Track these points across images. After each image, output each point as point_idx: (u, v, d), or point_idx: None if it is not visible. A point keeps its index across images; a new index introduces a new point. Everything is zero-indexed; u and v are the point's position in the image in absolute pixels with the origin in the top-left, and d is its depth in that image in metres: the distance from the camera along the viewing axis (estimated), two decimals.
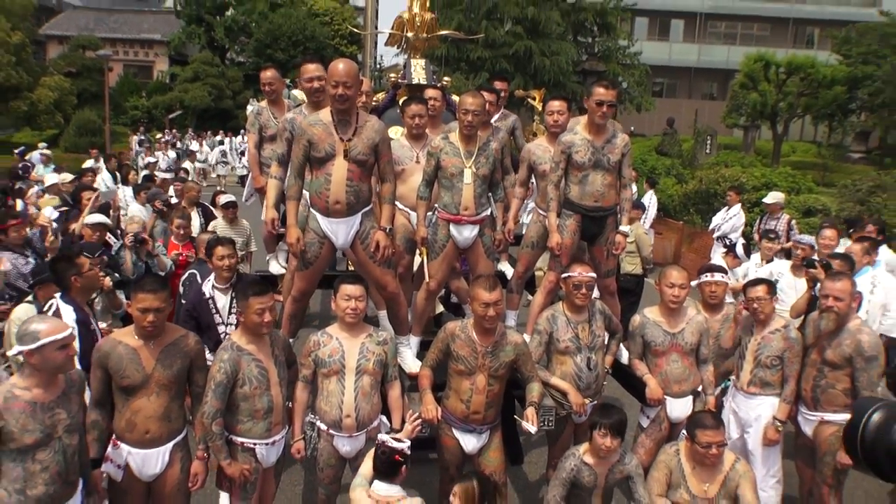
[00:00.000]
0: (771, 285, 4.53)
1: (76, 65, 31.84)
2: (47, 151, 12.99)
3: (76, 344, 3.21)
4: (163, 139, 24.28)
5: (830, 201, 12.08)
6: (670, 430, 4.39)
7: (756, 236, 8.43)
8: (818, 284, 5.79)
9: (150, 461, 3.45)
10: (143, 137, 23.44)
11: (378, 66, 38.18)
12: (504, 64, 23.44)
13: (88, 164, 13.48)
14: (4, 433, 2.87)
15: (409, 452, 3.34)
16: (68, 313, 4.13)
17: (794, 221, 9.16)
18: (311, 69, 4.87)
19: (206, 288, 4.65)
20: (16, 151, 14.89)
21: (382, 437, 3.43)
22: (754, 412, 4.44)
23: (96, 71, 29.69)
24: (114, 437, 3.47)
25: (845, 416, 4.09)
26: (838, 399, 4.16)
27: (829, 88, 25.16)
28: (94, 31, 36.15)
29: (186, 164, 19.38)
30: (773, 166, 17.15)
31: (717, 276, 4.71)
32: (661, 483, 3.77)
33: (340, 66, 3.89)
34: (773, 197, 8.95)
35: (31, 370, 2.98)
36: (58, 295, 4.26)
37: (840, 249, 6.30)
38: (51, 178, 8.83)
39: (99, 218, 6.18)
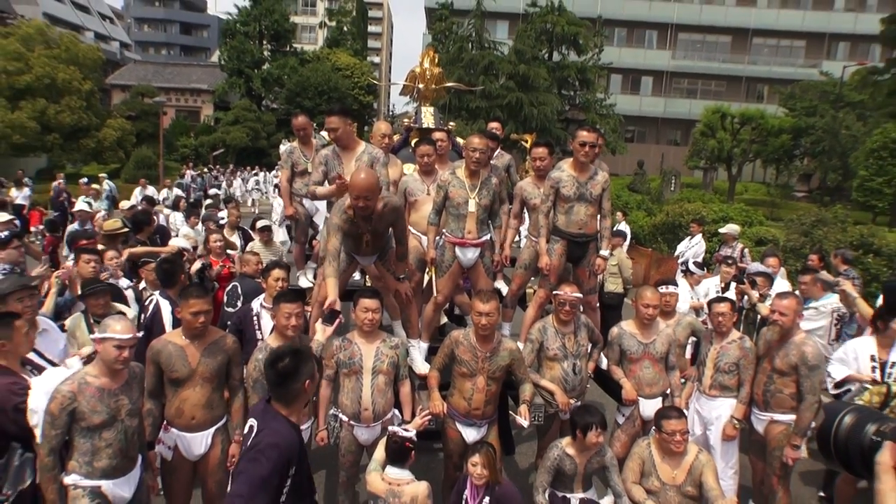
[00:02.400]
0: (732, 303, 4.56)
1: (136, 109, 32.15)
2: (96, 186, 12.99)
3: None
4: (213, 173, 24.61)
5: (779, 233, 12.11)
6: (642, 426, 4.37)
7: (716, 259, 8.45)
8: (745, 297, 5.87)
9: (196, 443, 3.48)
10: (194, 173, 23.50)
11: (391, 112, 38.51)
12: (498, 112, 23.62)
13: (136, 191, 13.54)
14: (77, 413, 2.91)
15: (416, 441, 3.35)
16: (166, 307, 4.25)
17: (746, 250, 9.18)
18: (333, 121, 4.63)
19: (255, 305, 4.57)
20: (82, 181, 15.06)
21: (393, 428, 3.44)
22: (715, 412, 4.44)
23: (153, 115, 29.98)
24: (165, 422, 3.50)
25: (791, 417, 4.11)
26: (786, 402, 4.17)
27: (776, 137, 25.35)
28: (151, 81, 36.50)
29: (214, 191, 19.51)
30: (728, 203, 17.21)
31: (671, 288, 4.82)
32: (635, 472, 3.76)
33: (362, 178, 3.70)
34: (729, 228, 8.98)
35: (100, 362, 3.01)
36: (157, 292, 4.41)
37: (779, 277, 6.37)
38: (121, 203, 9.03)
39: (182, 243, 6.40)
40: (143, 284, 5.52)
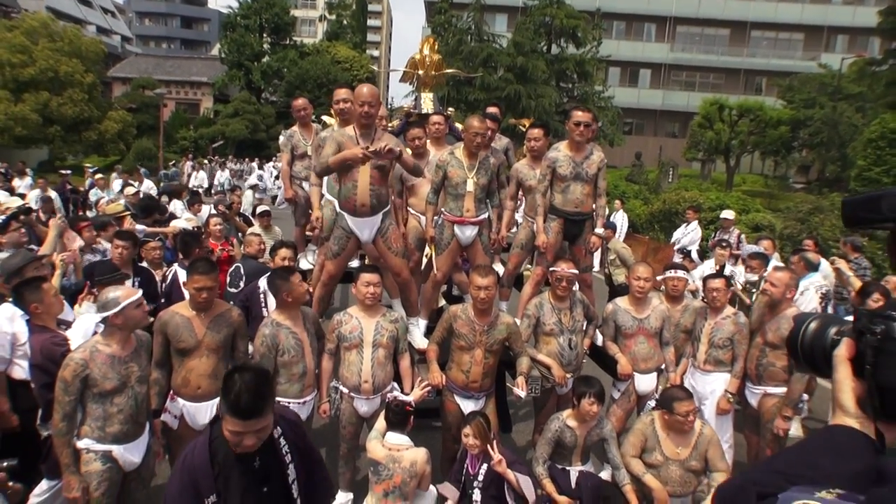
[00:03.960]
0: (727, 279, 4.62)
1: (136, 102, 32.11)
2: (100, 177, 13.48)
3: None
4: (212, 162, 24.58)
5: (776, 221, 12.17)
6: (638, 401, 4.44)
7: (711, 245, 8.51)
8: (726, 266, 5.92)
9: (201, 413, 3.54)
10: (193, 162, 23.53)
11: (389, 104, 38.49)
12: (498, 103, 23.62)
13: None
14: (90, 379, 2.98)
15: (414, 405, 3.42)
16: (183, 276, 4.39)
17: (743, 236, 9.24)
18: (342, 93, 4.99)
19: (262, 283, 4.60)
20: (89, 169, 15.39)
21: (392, 394, 3.51)
22: (710, 387, 4.51)
23: (153, 107, 29.93)
24: (171, 392, 3.56)
25: (783, 389, 4.17)
26: (778, 375, 4.23)
27: (774, 128, 25.32)
28: (152, 73, 36.39)
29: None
30: (726, 192, 17.26)
31: (679, 273, 4.79)
32: (635, 447, 3.79)
33: (365, 89, 4.02)
34: (727, 213, 9.04)
35: (111, 330, 3.08)
36: (176, 264, 4.74)
37: (773, 260, 6.43)
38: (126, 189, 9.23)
39: (184, 224, 6.57)
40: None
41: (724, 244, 6.95)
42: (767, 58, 37.63)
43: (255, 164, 26.77)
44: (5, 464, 2.79)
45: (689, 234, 9.79)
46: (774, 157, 29.15)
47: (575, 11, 26.08)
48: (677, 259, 8.40)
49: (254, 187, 17.49)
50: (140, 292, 3.15)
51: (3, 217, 6.20)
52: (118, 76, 38.00)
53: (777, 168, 30.81)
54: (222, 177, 21.09)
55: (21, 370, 3.65)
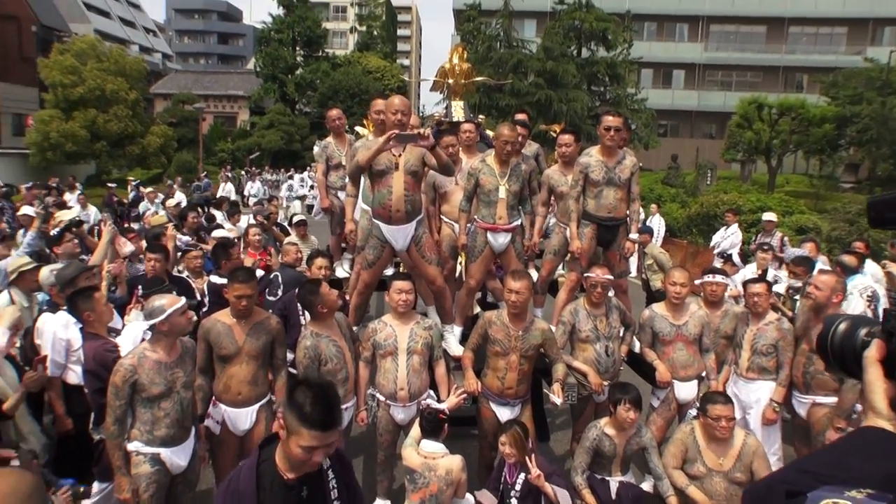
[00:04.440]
0: (769, 284, 4.49)
1: (177, 116, 33.17)
2: (150, 190, 14.01)
3: None
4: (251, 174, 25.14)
5: (823, 223, 11.78)
6: (678, 410, 4.35)
7: (752, 248, 8.30)
8: (768, 270, 5.74)
9: (242, 418, 3.62)
10: (230, 174, 24.07)
11: (421, 113, 38.75)
12: (528, 110, 23.50)
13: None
14: (138, 384, 3.09)
15: (448, 413, 3.42)
16: (216, 279, 4.66)
17: (786, 239, 8.98)
18: (379, 104, 5.06)
19: None
20: (132, 182, 16.03)
21: (426, 402, 3.52)
22: (754, 395, 4.38)
23: (193, 121, 30.88)
24: (213, 397, 3.66)
25: (834, 399, 4.01)
26: (827, 384, 4.07)
27: (818, 126, 24.50)
28: (191, 89, 37.54)
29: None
30: (768, 194, 16.80)
31: (718, 278, 4.69)
32: (676, 458, 3.69)
33: (396, 99, 4.25)
34: (769, 215, 8.82)
35: (157, 337, 3.18)
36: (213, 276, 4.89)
37: (820, 263, 6.24)
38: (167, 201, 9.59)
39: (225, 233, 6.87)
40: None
41: (766, 247, 6.77)
42: (808, 53, 36.56)
43: (290, 175, 27.18)
44: (69, 485, 2.89)
45: (728, 238, 9.56)
46: (819, 157, 28.23)
47: (604, 14, 25.85)
48: (717, 263, 8.24)
49: (302, 198, 17.77)
50: (184, 300, 3.26)
51: (57, 230, 6.46)
52: (160, 92, 39.29)
53: (823, 167, 29.81)
54: (253, 187, 21.38)
55: (75, 375, 3.82)
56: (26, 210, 7.82)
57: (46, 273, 4.58)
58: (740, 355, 4.44)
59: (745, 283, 4.52)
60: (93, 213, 10.73)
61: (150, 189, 13.63)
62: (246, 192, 20.97)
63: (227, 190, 19.03)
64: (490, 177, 4.43)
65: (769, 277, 6.17)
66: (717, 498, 3.53)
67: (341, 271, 5.92)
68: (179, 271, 5.57)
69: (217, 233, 6.82)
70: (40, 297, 4.74)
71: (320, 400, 2.02)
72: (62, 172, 23.16)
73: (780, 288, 5.88)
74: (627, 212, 4.60)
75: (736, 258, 6.94)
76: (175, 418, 3.19)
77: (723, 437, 3.54)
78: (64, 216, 8.01)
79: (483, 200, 4.47)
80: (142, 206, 12.59)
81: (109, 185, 16.33)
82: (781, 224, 10.11)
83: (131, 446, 3.15)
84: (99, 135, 25.40)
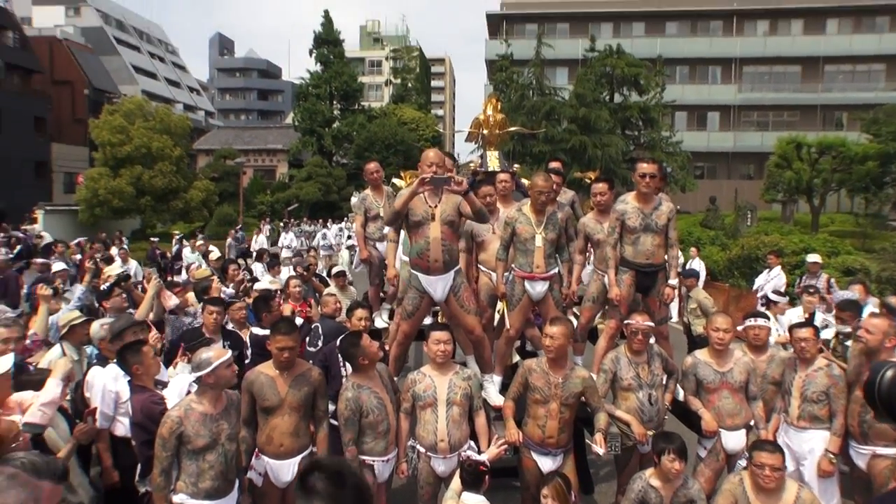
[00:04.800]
0: (815, 328, 4.39)
1: (219, 171, 34.50)
2: (200, 243, 14.56)
3: None
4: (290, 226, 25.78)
5: (871, 263, 11.43)
6: (727, 460, 4.23)
7: (798, 292, 8.11)
8: (816, 313, 5.57)
9: (284, 470, 3.66)
10: (270, 226, 24.69)
11: (455, 162, 39.26)
12: (562, 156, 23.78)
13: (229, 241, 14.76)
14: (184, 436, 3.17)
15: (489, 465, 3.39)
16: (258, 331, 4.83)
17: (833, 280, 8.75)
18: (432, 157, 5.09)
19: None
20: (176, 235, 16.67)
21: (466, 453, 3.51)
22: (807, 445, 4.22)
23: (234, 175, 32.04)
24: (256, 450, 3.71)
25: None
26: (888, 433, 3.88)
27: (861, 164, 24.01)
28: (232, 144, 39.12)
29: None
30: (812, 235, 16.42)
31: (760, 321, 4.61)
32: None
33: (431, 153, 4.37)
34: (813, 256, 8.64)
35: (203, 389, 3.29)
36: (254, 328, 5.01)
37: (870, 306, 6.05)
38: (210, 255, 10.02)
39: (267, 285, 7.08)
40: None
41: (812, 290, 6.63)
42: (845, 91, 36.27)
43: (326, 226, 27.75)
44: None
45: (772, 281, 9.37)
46: (864, 195, 27.54)
47: (636, 60, 26.23)
48: (760, 307, 8.06)
49: (350, 248, 18.10)
50: (230, 353, 3.37)
51: (106, 284, 6.75)
52: (202, 148, 41.05)
53: (869, 206, 29.03)
54: (286, 239, 21.55)
55: (123, 427, 3.93)
56: (59, 266, 8.10)
57: (97, 327, 4.78)
58: (790, 403, 4.30)
59: (792, 328, 4.42)
60: (133, 266, 11.15)
61: (200, 242, 14.17)
62: (280, 244, 21.11)
63: (259, 242, 19.39)
64: (526, 225, 4.49)
65: (817, 322, 6.01)
66: None
67: (380, 322, 5.99)
68: (224, 324, 5.73)
69: (259, 285, 7.02)
70: (89, 350, 4.93)
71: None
72: (109, 227, 24.23)
73: (828, 333, 5.72)
74: (666, 257, 4.60)
75: (773, 296, 6.79)
76: (220, 470, 3.25)
77: (768, 487, 3.41)
78: (112, 271, 8.38)
79: (520, 249, 4.53)
80: (185, 257, 13.04)
81: (153, 239, 17.00)
82: (827, 265, 9.86)
83: (177, 498, 3.21)
84: (144, 190, 26.59)
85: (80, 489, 3.84)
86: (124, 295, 6.15)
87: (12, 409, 3.24)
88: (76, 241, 14.09)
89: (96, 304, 6.66)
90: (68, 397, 4.09)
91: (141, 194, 26.61)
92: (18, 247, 15.65)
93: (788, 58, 36.82)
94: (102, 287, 7.10)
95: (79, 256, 11.38)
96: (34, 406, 3.25)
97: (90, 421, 3.65)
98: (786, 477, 3.52)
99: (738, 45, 37.14)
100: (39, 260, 9.94)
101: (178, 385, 3.86)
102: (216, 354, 3.28)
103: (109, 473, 3.95)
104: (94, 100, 40.01)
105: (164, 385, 4.06)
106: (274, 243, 22.24)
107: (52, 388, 3.36)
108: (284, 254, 15.46)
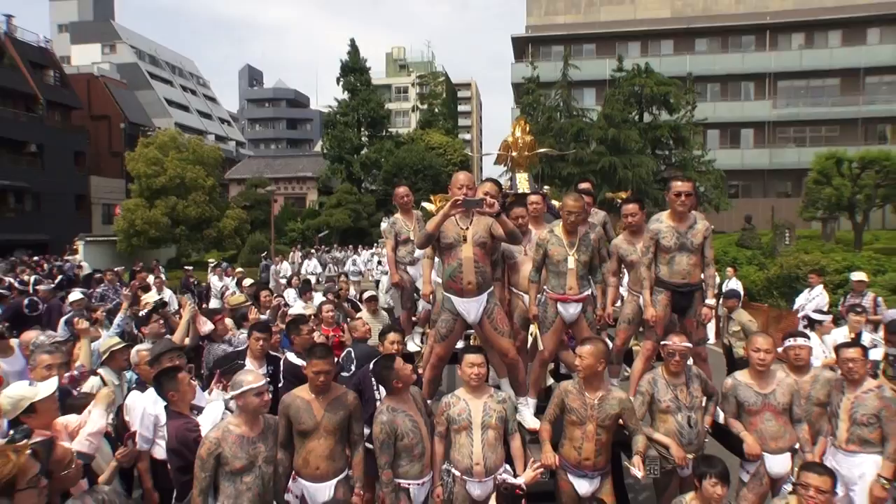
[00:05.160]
0: (864, 348, 4.28)
1: (250, 199, 35.33)
2: (240, 270, 15.26)
3: None
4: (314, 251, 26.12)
5: None
6: (771, 485, 4.13)
7: (842, 311, 7.91)
8: (863, 333, 5.42)
9: (320, 493, 3.71)
10: (302, 252, 25.05)
11: (500, 188, 39.41)
12: (591, 178, 23.74)
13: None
14: (221, 457, 3.27)
15: (525, 488, 3.39)
16: (293, 357, 4.93)
17: (880, 299, 8.52)
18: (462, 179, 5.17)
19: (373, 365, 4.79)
20: (211, 263, 17.14)
21: (502, 476, 3.51)
22: (857, 470, 4.10)
23: (265, 203, 32.77)
24: (293, 472, 3.77)
25: None
26: None
27: None
28: (263, 173, 40.06)
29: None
30: (855, 252, 16.00)
31: (800, 341, 4.51)
32: None
33: (461, 175, 4.46)
34: (858, 274, 8.44)
35: (240, 411, 3.38)
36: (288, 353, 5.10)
37: None
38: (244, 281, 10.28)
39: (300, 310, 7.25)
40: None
41: (858, 309, 6.47)
42: (889, 104, 35.38)
43: (356, 251, 28.06)
44: None
45: (813, 300, 9.15)
46: None
47: (665, 78, 26.18)
48: (802, 328, 7.88)
49: (386, 273, 18.20)
50: (263, 381, 3.43)
51: (144, 311, 6.97)
52: (234, 177, 42.12)
53: None
54: (309, 266, 21.56)
55: (162, 450, 4.04)
56: (74, 296, 8.19)
57: (135, 353, 4.95)
58: (837, 426, 4.20)
59: (839, 348, 4.33)
60: (167, 295, 11.44)
61: (239, 270, 14.63)
62: (303, 271, 21.24)
63: (283, 269, 19.44)
64: (558, 247, 4.51)
65: (865, 342, 5.84)
66: None
67: (412, 345, 6.04)
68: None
69: (292, 310, 7.15)
70: (129, 375, 5.09)
71: None
72: (146, 256, 24.93)
73: (877, 354, 5.57)
74: (702, 276, 4.57)
75: (813, 314, 6.65)
76: (257, 493, 3.32)
77: None
78: (150, 298, 8.66)
79: (552, 271, 4.55)
80: (213, 285, 13.35)
81: (187, 267, 17.50)
82: (873, 284, 9.60)
83: None
84: (179, 220, 27.38)
85: None
86: (162, 321, 6.35)
87: (59, 431, 3.38)
88: (115, 269, 14.54)
89: (135, 331, 6.87)
90: (110, 422, 4.24)
91: (176, 224, 27.40)
92: (59, 277, 16.29)
93: (826, 70, 36.08)
94: (141, 314, 7.33)
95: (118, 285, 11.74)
96: (81, 436, 3.39)
97: (130, 444, 3.76)
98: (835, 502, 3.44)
99: (773, 60, 36.65)
100: (79, 290, 10.31)
101: (213, 412, 3.93)
102: (251, 379, 3.37)
103: (150, 495, 4.07)
104: (129, 133, 41.58)
105: (201, 410, 4.16)
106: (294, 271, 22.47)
107: (98, 419, 3.50)
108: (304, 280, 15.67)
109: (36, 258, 24.48)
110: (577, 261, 4.48)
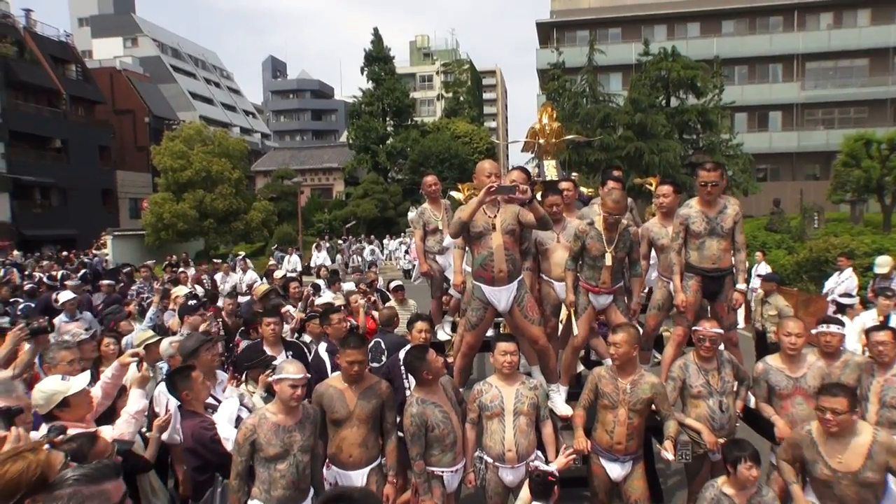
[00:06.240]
0: (893, 331, 4.24)
1: (277, 191, 35.54)
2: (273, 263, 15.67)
3: None
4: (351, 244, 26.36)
5: None
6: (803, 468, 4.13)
7: (871, 295, 7.79)
8: (891, 316, 5.35)
9: (353, 480, 3.79)
10: (328, 245, 25.19)
11: (529, 177, 39.18)
12: (618, 163, 23.48)
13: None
14: (257, 444, 3.35)
15: (557, 475, 3.43)
16: (323, 349, 4.95)
17: None
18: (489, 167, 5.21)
19: (402, 354, 4.79)
20: (239, 256, 17.43)
21: (534, 463, 3.57)
22: None
23: (291, 195, 32.96)
24: (327, 460, 3.87)
25: None
26: None
27: None
28: (289, 164, 40.13)
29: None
30: (884, 234, 15.65)
31: (833, 328, 4.44)
32: (791, 466, 3.63)
33: (487, 164, 4.46)
34: (883, 259, 8.29)
35: (277, 399, 3.47)
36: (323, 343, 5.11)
37: None
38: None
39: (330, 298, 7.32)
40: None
41: (889, 293, 6.37)
42: None
43: (370, 240, 28.18)
44: None
45: (843, 283, 9.02)
46: None
47: (692, 62, 25.67)
48: (833, 312, 7.78)
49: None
50: (302, 376, 3.44)
51: (172, 307, 7.13)
52: (260, 170, 42.44)
53: None
54: (319, 258, 21.12)
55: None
56: (66, 296, 8.18)
57: (166, 345, 5.02)
58: (867, 409, 4.16)
59: (869, 331, 4.30)
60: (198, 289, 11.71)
61: (273, 261, 14.87)
62: (313, 264, 20.71)
63: (292, 262, 19.35)
64: (597, 242, 4.46)
65: (894, 324, 5.77)
66: (850, 503, 3.36)
67: (442, 334, 6.11)
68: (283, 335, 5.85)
69: (322, 300, 7.28)
70: (162, 366, 5.17)
71: None
72: (174, 250, 25.39)
73: None
74: (733, 261, 4.56)
75: (839, 298, 6.57)
76: (291, 480, 3.37)
77: (831, 432, 3.39)
78: (180, 292, 8.82)
79: (588, 264, 4.54)
80: (246, 278, 13.55)
81: (216, 260, 17.76)
82: None
83: None
84: (206, 213, 27.68)
85: (161, 493, 4.06)
86: (203, 313, 6.50)
87: (89, 421, 3.39)
88: (144, 264, 14.88)
89: (166, 325, 7.05)
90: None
91: (203, 217, 27.68)
92: (83, 271, 16.69)
93: (855, 51, 35.08)
94: (171, 307, 7.53)
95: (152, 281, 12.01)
96: (124, 415, 3.46)
97: (164, 415, 3.80)
98: (859, 421, 3.48)
99: (801, 41, 35.67)
100: (105, 282, 10.63)
101: (228, 409, 3.86)
102: (292, 370, 3.42)
103: (185, 485, 4.07)
104: (154, 127, 42.16)
105: (215, 409, 4.03)
106: (333, 261, 22.63)
107: (139, 398, 3.54)
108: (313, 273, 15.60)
109: (64, 253, 25.09)
110: (614, 258, 4.46)
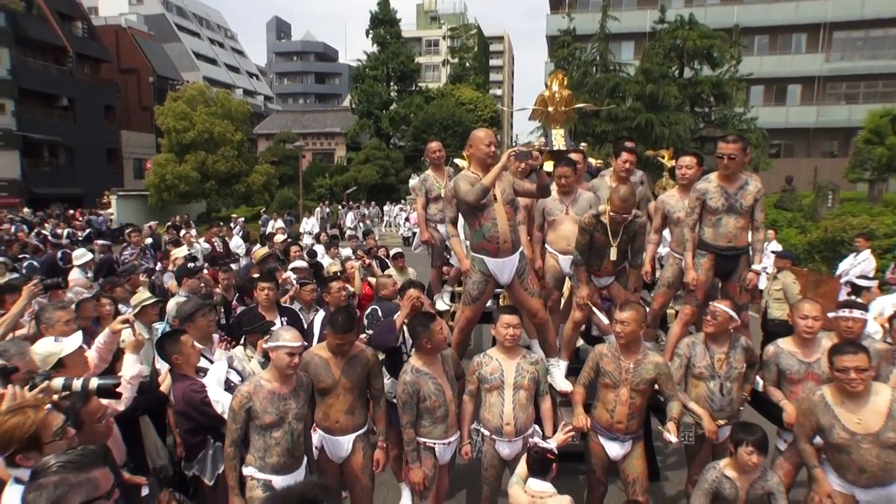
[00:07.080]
0: None
1: (278, 155, 35.40)
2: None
3: None
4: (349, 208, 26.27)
5: None
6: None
7: (890, 278, 7.65)
8: None
9: (339, 446, 3.80)
10: (328, 210, 25.12)
11: (515, 141, 38.86)
12: (626, 135, 23.16)
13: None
14: (252, 411, 3.33)
15: (556, 452, 3.38)
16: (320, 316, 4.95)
17: None
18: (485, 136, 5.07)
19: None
20: (238, 219, 17.35)
21: (533, 439, 3.51)
22: None
23: (293, 159, 32.82)
24: (314, 424, 3.85)
25: None
26: None
27: None
28: (291, 128, 39.95)
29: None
30: None
31: (856, 313, 4.28)
32: (807, 429, 3.49)
33: (482, 132, 4.30)
34: None
35: (272, 366, 3.42)
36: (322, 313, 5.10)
37: None
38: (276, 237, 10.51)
39: (300, 263, 7.15)
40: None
41: None
42: None
43: (388, 208, 28.04)
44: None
45: (859, 265, 8.85)
46: None
47: (709, 31, 25.13)
48: (846, 294, 7.67)
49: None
50: (299, 343, 3.39)
51: (172, 267, 7.08)
52: (262, 132, 42.18)
53: None
54: (308, 224, 21.04)
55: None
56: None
57: (172, 305, 5.03)
58: None
59: (891, 318, 4.17)
60: (197, 249, 11.50)
61: (280, 225, 14.82)
62: (302, 230, 20.42)
63: (311, 224, 19.22)
64: (603, 235, 4.39)
65: None
66: (870, 468, 3.26)
67: (441, 304, 6.04)
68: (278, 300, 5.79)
69: (294, 263, 7.15)
70: (160, 327, 5.17)
71: None
72: (176, 211, 25.34)
73: None
74: (749, 240, 4.42)
75: (856, 280, 6.42)
76: (285, 447, 3.37)
77: (856, 391, 3.27)
78: (179, 254, 8.79)
79: (591, 252, 4.48)
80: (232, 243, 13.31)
81: (220, 223, 17.72)
82: None
83: (246, 471, 3.39)
84: (208, 175, 27.66)
85: (162, 451, 4.22)
86: (201, 277, 6.44)
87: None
88: (147, 224, 14.75)
89: (165, 286, 6.99)
90: (145, 373, 4.31)
91: (205, 179, 27.67)
92: (88, 230, 16.71)
93: (888, 19, 33.26)
94: (170, 269, 7.48)
95: (150, 241, 11.82)
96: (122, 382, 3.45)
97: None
98: (873, 381, 3.39)
99: (830, 8, 34.17)
100: (100, 242, 10.52)
101: (216, 373, 3.86)
102: (289, 338, 3.37)
103: (180, 445, 4.14)
104: (158, 87, 41.81)
105: (206, 371, 3.99)
106: (334, 226, 22.54)
107: (133, 363, 3.56)
108: (305, 240, 15.37)
109: (70, 212, 25.16)
110: (617, 251, 4.40)
